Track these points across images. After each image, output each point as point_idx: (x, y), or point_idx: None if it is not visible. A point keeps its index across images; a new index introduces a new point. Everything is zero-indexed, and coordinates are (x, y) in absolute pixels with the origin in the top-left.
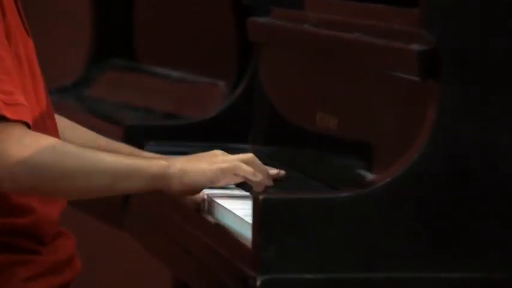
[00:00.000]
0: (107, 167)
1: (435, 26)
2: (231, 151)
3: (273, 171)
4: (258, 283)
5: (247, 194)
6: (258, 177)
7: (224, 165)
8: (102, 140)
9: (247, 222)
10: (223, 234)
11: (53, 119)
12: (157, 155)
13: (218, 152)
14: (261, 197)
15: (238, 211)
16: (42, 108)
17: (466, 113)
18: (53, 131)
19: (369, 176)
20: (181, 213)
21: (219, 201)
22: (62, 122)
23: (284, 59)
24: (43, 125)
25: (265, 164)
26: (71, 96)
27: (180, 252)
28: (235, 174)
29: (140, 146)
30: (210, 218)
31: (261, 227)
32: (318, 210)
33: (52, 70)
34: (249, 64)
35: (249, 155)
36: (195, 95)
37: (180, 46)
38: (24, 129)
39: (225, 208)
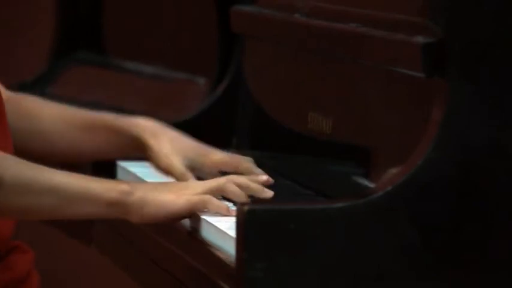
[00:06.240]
0: (54, 186)
1: (442, 16)
2: None
3: (263, 177)
4: None
5: (231, 204)
6: (232, 213)
7: (194, 198)
8: (80, 112)
9: (231, 237)
10: (203, 249)
11: (2, 124)
12: (149, 124)
13: (189, 183)
14: (245, 207)
15: (220, 223)
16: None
17: (476, 113)
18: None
19: (367, 184)
20: (156, 226)
21: (199, 212)
22: (30, 103)
23: (272, 52)
24: None
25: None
26: (32, 93)
27: (156, 270)
28: (206, 209)
29: None
30: (188, 232)
31: (246, 241)
32: (309, 222)
33: (10, 64)
34: (232, 59)
35: (221, 182)
36: (172, 93)
37: (155, 38)
38: None
39: (206, 220)
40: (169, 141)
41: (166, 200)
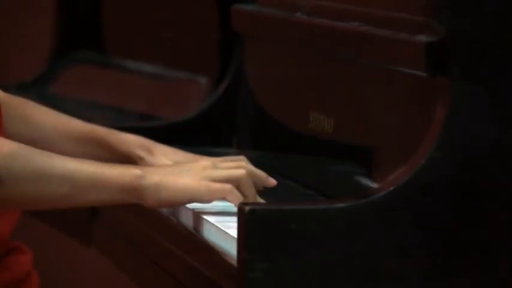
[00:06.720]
0: (65, 173)
1: (445, 15)
2: (213, 156)
3: (271, 181)
4: None
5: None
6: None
7: (214, 186)
8: (75, 123)
9: (232, 237)
10: (204, 249)
11: None
12: (140, 140)
13: (206, 162)
14: (247, 207)
15: (221, 223)
16: None
17: (480, 113)
18: None
19: (369, 184)
20: (159, 228)
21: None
22: (33, 110)
23: (273, 52)
24: None
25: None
26: (32, 93)
27: (156, 270)
28: (224, 199)
29: None
30: (188, 232)
31: (247, 241)
32: (310, 223)
33: (10, 64)
34: (233, 58)
35: (242, 176)
36: (172, 92)
37: (155, 37)
38: None
39: (207, 220)
40: (162, 154)
41: (186, 184)
